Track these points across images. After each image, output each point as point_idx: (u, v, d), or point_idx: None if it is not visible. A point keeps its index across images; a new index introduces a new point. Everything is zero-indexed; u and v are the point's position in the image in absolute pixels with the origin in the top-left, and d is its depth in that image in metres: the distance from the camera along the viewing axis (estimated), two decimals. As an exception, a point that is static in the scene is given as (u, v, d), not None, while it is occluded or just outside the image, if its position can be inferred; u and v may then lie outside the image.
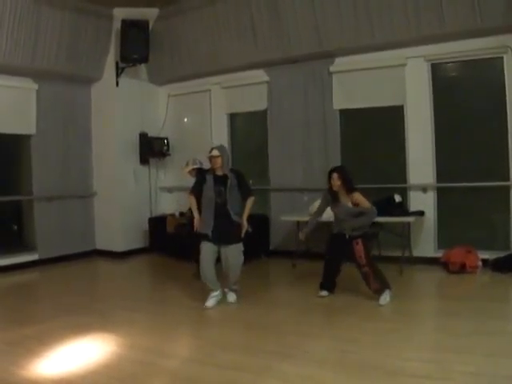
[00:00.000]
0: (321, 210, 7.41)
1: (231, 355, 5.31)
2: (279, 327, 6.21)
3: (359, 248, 6.90)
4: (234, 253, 7.08)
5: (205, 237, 7.08)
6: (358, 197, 6.95)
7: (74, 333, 6.08)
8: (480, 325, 5.85)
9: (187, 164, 8.66)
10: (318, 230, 8.94)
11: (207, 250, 7.08)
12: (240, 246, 7.13)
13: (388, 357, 5.00)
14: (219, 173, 7.09)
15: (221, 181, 7.06)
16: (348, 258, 7.12)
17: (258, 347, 5.49)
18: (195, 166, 8.55)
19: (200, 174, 7.61)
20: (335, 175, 6.99)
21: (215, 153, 7.07)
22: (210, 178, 7.12)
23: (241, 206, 7.15)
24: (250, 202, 7.12)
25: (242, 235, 7.07)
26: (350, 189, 6.98)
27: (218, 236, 7.03)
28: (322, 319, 6.59)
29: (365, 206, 6.92)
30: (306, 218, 9.21)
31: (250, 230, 7.14)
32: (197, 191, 7.21)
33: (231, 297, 7.33)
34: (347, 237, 6.99)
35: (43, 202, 10.61)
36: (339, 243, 7.10)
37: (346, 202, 7.01)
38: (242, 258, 7.18)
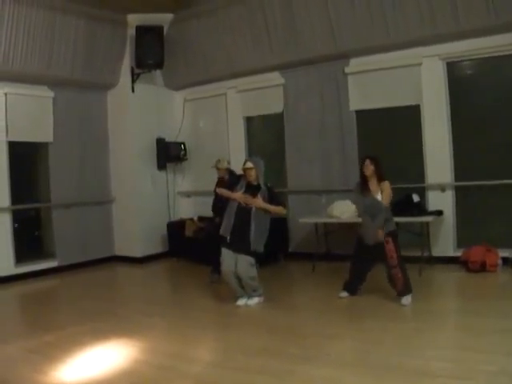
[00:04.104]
0: (362, 208, 7.25)
1: (253, 359, 5.30)
2: (301, 329, 6.21)
3: (390, 247, 6.84)
4: (243, 264, 7.10)
5: (224, 241, 7.16)
6: (386, 186, 6.94)
7: (94, 338, 6.12)
8: (502, 323, 5.79)
9: (219, 161, 8.87)
10: (338, 232, 8.96)
11: (225, 257, 7.17)
12: (248, 259, 7.11)
13: (411, 357, 4.97)
14: (253, 183, 7.20)
15: (252, 189, 7.17)
16: (377, 259, 7.06)
17: (281, 350, 5.48)
18: (229, 167, 8.92)
19: (234, 175, 7.68)
20: (368, 161, 7.00)
21: (249, 165, 7.19)
22: (242, 183, 7.28)
23: (266, 228, 7.22)
24: (278, 207, 7.20)
25: (254, 202, 7.11)
26: (381, 176, 6.97)
27: (233, 241, 7.10)
28: (343, 321, 6.54)
29: (383, 200, 6.91)
30: (324, 220, 9.25)
31: (260, 250, 7.19)
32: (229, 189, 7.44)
33: (251, 300, 7.32)
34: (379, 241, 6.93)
35: (61, 209, 10.67)
36: (367, 249, 7.02)
37: (376, 192, 6.97)
38: (252, 270, 7.18)
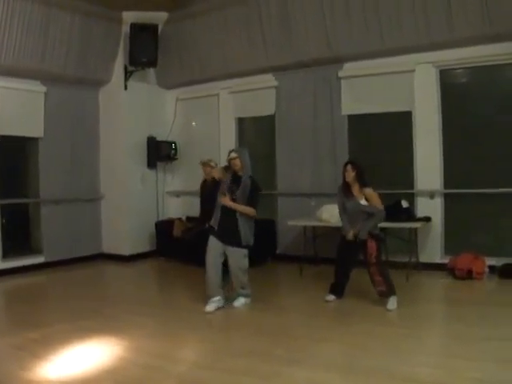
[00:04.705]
0: (342, 208, 7.28)
1: (239, 360, 5.30)
2: (288, 332, 6.21)
3: (372, 245, 6.89)
4: (234, 256, 7.12)
5: (212, 230, 7.19)
6: (370, 192, 6.95)
7: (80, 336, 6.09)
8: (488, 331, 5.83)
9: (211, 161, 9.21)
10: (326, 235, 8.97)
11: (212, 246, 7.16)
12: (240, 251, 7.12)
13: (396, 362, 4.98)
14: (239, 173, 7.16)
15: (237, 180, 7.14)
16: (359, 258, 7.13)
17: (267, 352, 5.48)
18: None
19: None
20: (349, 166, 7.01)
21: (233, 155, 7.17)
22: (229, 175, 7.24)
23: (252, 226, 7.24)
24: (248, 207, 7.09)
25: (223, 201, 7.11)
26: (363, 183, 6.98)
27: (222, 233, 7.10)
28: (330, 324, 6.54)
29: (374, 205, 6.92)
30: (313, 223, 9.25)
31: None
32: None
33: (237, 301, 7.33)
34: (358, 240, 6.97)
35: (50, 204, 10.62)
36: (350, 246, 7.08)
37: (359, 197, 6.99)
38: (244, 262, 7.19)
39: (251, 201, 7.10)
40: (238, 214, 7.05)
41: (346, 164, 7.13)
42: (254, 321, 6.80)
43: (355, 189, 7.03)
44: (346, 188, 7.11)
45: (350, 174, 6.99)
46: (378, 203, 6.93)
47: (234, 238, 7.05)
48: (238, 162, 7.11)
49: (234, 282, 7.28)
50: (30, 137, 10.38)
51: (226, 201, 7.07)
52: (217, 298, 7.18)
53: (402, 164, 9.60)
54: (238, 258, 7.11)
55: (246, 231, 7.08)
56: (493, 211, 8.86)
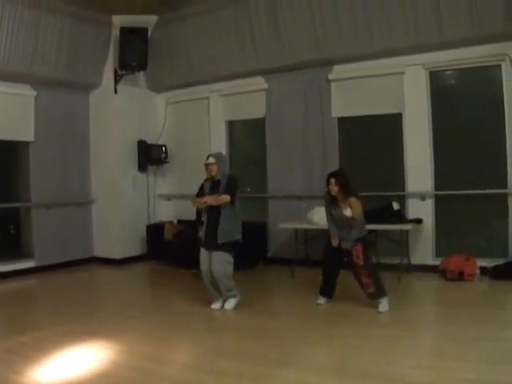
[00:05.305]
0: (329, 215, 7.29)
1: (230, 362, 5.29)
2: (279, 334, 6.20)
3: (358, 249, 6.87)
4: (216, 260, 7.08)
5: (200, 240, 7.24)
6: (353, 202, 6.92)
7: (71, 340, 6.06)
8: (480, 332, 5.85)
9: None
10: (317, 238, 8.96)
11: (202, 256, 7.21)
12: (222, 255, 7.08)
13: (389, 364, 4.99)
14: (216, 178, 7.13)
15: (216, 186, 7.11)
16: (346, 262, 7.12)
17: (258, 354, 5.48)
18: None
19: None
20: (332, 180, 6.98)
21: (211, 160, 7.16)
22: (207, 185, 7.23)
23: (236, 222, 7.19)
24: (224, 196, 6.99)
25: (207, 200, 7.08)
26: (347, 194, 6.95)
27: (207, 239, 7.12)
28: (321, 326, 6.53)
29: (354, 215, 6.92)
30: (304, 226, 9.25)
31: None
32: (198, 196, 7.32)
33: (228, 304, 7.32)
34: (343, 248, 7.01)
35: (41, 208, 10.58)
36: (336, 250, 7.09)
37: (344, 207, 6.99)
38: (227, 267, 7.14)
39: (226, 189, 7.05)
40: (221, 215, 7.02)
41: (329, 177, 7.07)
42: (246, 323, 6.78)
43: (340, 199, 7.01)
44: (331, 197, 7.11)
45: (334, 189, 6.97)
46: (357, 213, 6.92)
47: (214, 241, 7.03)
48: (214, 168, 7.10)
49: (220, 286, 7.26)
50: (20, 141, 10.34)
51: (208, 200, 7.07)
52: (219, 300, 7.37)
53: (393, 166, 9.63)
54: (220, 263, 7.07)
55: (224, 227, 7.02)
56: (484, 212, 8.89)
